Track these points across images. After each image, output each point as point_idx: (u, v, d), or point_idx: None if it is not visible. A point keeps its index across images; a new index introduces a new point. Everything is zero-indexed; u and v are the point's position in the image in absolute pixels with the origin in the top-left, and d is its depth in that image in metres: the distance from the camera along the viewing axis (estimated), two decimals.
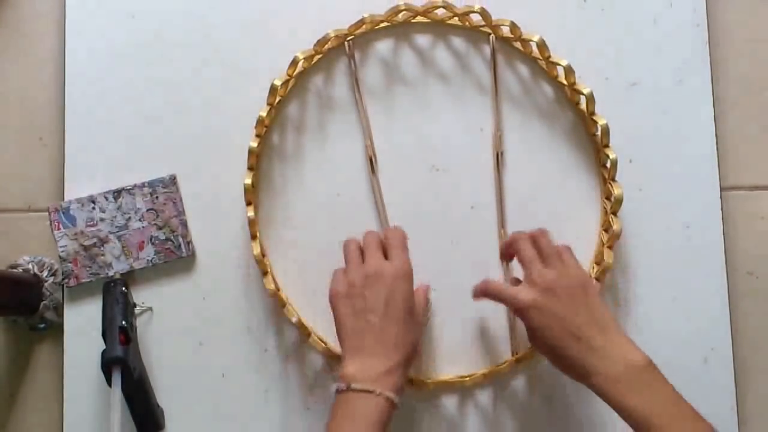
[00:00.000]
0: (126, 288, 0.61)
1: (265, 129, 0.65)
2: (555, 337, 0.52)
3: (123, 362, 0.57)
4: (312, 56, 0.65)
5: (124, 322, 0.57)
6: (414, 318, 0.55)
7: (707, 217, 0.67)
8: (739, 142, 0.70)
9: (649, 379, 0.50)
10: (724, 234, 0.67)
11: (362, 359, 0.51)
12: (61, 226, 0.65)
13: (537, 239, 0.58)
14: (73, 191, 0.66)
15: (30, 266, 0.67)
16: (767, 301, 0.69)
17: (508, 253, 0.61)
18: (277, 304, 0.64)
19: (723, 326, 0.66)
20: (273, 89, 0.63)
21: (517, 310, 0.55)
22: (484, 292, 0.58)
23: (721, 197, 0.67)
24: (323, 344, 0.64)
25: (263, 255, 0.63)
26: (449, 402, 0.65)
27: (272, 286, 0.62)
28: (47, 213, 0.65)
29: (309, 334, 0.64)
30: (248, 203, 0.62)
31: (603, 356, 0.51)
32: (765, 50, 0.71)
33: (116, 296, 0.60)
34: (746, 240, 0.69)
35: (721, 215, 0.67)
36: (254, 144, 0.63)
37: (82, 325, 0.65)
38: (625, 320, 0.66)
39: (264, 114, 0.62)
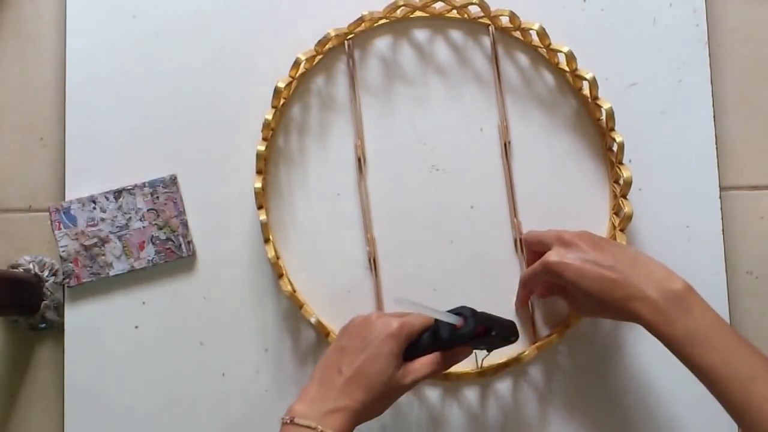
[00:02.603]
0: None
1: (271, 132, 0.65)
2: (589, 280, 0.53)
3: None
4: (313, 57, 0.65)
5: (494, 333, 0.55)
6: (386, 380, 0.52)
7: (707, 217, 0.67)
8: (739, 142, 0.70)
9: (687, 303, 0.51)
10: (724, 234, 0.67)
11: (317, 397, 0.51)
12: (61, 226, 0.65)
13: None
14: (74, 191, 0.66)
15: (31, 266, 0.67)
16: (767, 301, 0.69)
17: (529, 252, 0.64)
18: (285, 303, 0.65)
19: None
20: (277, 92, 0.63)
21: (548, 270, 0.56)
22: (524, 287, 0.62)
23: (720, 197, 0.67)
24: None
25: (278, 257, 0.63)
26: (471, 393, 0.65)
27: (289, 288, 0.62)
28: (48, 213, 0.66)
29: (328, 334, 0.64)
30: (259, 207, 0.62)
31: (639, 287, 0.52)
32: (765, 50, 0.71)
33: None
34: (746, 240, 0.69)
35: (721, 215, 0.67)
36: (262, 147, 0.63)
37: (83, 324, 0.65)
38: None
39: (270, 117, 0.63)
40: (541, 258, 0.57)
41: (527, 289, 0.63)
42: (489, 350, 0.59)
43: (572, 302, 0.60)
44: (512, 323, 0.59)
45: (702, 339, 0.50)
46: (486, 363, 0.64)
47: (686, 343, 0.50)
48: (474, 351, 0.58)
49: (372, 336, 0.52)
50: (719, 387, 0.48)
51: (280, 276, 0.63)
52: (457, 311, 0.54)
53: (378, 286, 0.65)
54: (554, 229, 0.61)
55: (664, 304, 0.51)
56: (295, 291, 0.64)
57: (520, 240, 0.66)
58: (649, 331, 0.52)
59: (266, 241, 0.63)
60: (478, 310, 0.55)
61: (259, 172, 0.63)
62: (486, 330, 0.54)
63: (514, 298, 0.65)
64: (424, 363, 0.53)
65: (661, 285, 0.52)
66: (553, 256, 0.56)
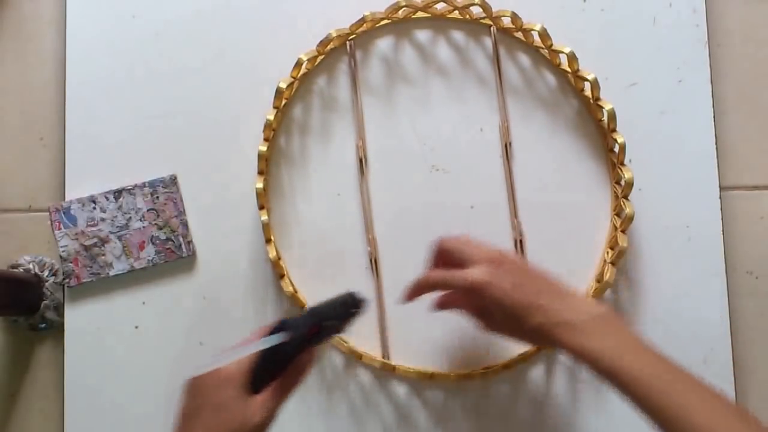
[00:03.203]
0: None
1: (273, 132, 0.65)
2: (516, 306, 0.52)
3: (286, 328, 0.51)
4: (315, 57, 0.65)
5: (328, 323, 0.52)
6: (237, 426, 0.48)
7: (707, 217, 0.67)
8: (739, 142, 0.70)
9: (612, 326, 0.51)
10: (724, 234, 0.67)
11: None
12: (61, 226, 0.65)
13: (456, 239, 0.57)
14: (74, 191, 0.66)
15: (31, 266, 0.67)
16: (767, 301, 0.69)
17: (437, 258, 0.58)
18: (286, 303, 0.65)
19: (723, 326, 0.66)
20: (279, 92, 0.63)
21: (472, 289, 0.53)
22: (426, 284, 0.56)
23: (721, 197, 0.67)
24: (345, 343, 0.64)
25: (279, 258, 0.63)
26: (472, 393, 0.65)
27: (290, 289, 0.63)
28: (48, 213, 0.66)
29: None
30: (261, 207, 0.62)
31: (565, 312, 0.51)
32: (765, 50, 0.71)
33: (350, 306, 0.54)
34: (746, 240, 0.69)
35: (721, 215, 0.67)
36: (263, 148, 0.63)
37: (83, 324, 0.65)
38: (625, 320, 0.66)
39: (271, 117, 0.63)
40: (453, 269, 0.54)
41: (424, 290, 0.57)
42: (340, 331, 0.54)
43: (485, 320, 0.56)
44: (348, 296, 0.53)
45: (628, 354, 0.50)
46: (486, 363, 0.64)
47: (612, 357, 0.49)
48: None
49: (207, 389, 0.48)
50: (646, 400, 0.48)
51: (282, 276, 0.63)
52: (280, 326, 0.50)
53: (378, 286, 0.65)
54: (466, 238, 0.56)
55: (587, 326, 0.51)
56: (296, 291, 0.64)
57: (520, 241, 0.66)
58: (573, 354, 0.51)
59: (267, 241, 0.63)
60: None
61: (260, 172, 0.63)
62: (318, 326, 0.50)
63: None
64: (272, 390, 0.50)
65: (582, 310, 0.52)
66: (478, 274, 0.52)
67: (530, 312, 0.52)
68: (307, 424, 0.64)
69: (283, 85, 0.63)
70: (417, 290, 0.57)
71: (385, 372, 0.65)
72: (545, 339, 0.52)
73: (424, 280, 0.56)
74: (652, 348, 0.51)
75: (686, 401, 0.47)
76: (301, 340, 0.50)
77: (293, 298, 0.63)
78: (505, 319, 0.53)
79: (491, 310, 0.54)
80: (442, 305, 0.60)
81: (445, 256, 0.57)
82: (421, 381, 0.65)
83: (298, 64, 0.63)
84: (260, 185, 0.62)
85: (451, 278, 0.54)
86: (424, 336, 0.65)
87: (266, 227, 0.62)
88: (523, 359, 0.65)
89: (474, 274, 0.53)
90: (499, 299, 0.52)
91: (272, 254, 0.62)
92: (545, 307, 0.52)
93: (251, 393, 0.49)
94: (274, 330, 0.50)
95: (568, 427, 0.65)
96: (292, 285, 0.64)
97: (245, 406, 0.48)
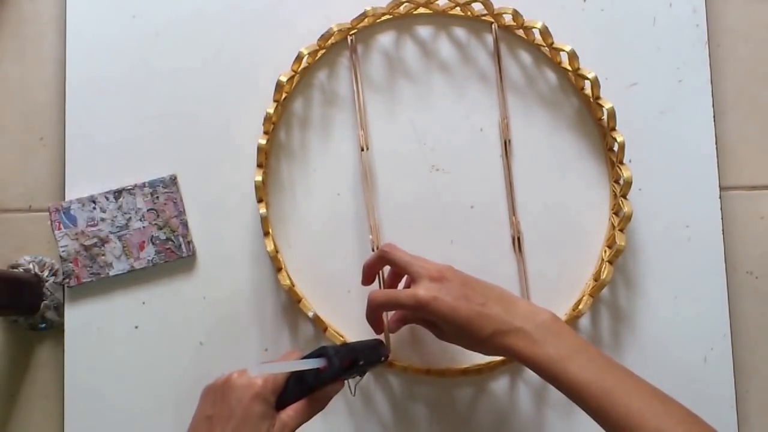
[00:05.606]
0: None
1: (273, 126, 0.65)
2: (463, 318, 0.52)
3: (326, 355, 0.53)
4: (316, 51, 0.65)
5: (362, 362, 0.54)
6: None
7: (707, 217, 0.67)
8: (739, 142, 0.70)
9: (556, 330, 0.52)
10: (723, 234, 0.67)
11: None
12: (61, 226, 0.65)
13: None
14: (74, 191, 0.66)
15: (31, 266, 0.67)
16: (767, 300, 0.69)
17: (371, 273, 0.61)
18: (285, 301, 0.65)
19: (723, 326, 0.66)
20: (279, 86, 0.63)
21: (421, 307, 0.53)
22: (377, 307, 0.57)
23: (720, 197, 0.67)
24: (341, 337, 0.65)
25: (277, 251, 0.63)
26: (468, 391, 0.66)
27: (288, 282, 0.63)
28: (48, 213, 0.66)
29: (326, 328, 0.64)
30: (260, 200, 0.62)
31: (514, 320, 0.52)
32: (765, 50, 0.71)
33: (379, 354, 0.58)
34: (746, 240, 0.69)
35: (721, 215, 0.67)
36: (263, 141, 0.63)
37: (83, 324, 0.65)
38: (624, 320, 0.66)
39: (271, 111, 0.63)
40: (402, 287, 0.58)
41: (377, 312, 0.59)
42: (361, 375, 0.57)
43: (438, 333, 0.57)
44: (377, 343, 0.58)
45: (576, 357, 0.50)
46: (483, 360, 0.64)
47: (562, 361, 0.50)
48: (347, 380, 0.56)
49: (237, 399, 0.50)
50: (596, 402, 0.48)
51: (279, 270, 0.63)
52: (319, 352, 0.52)
53: (380, 285, 0.65)
54: (411, 255, 0.58)
55: (535, 332, 0.51)
56: (293, 285, 0.64)
57: (518, 238, 0.66)
58: (524, 361, 0.51)
59: (266, 234, 0.63)
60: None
61: (259, 165, 0.63)
62: (352, 362, 0.53)
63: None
64: (297, 410, 0.51)
65: (529, 317, 0.53)
66: (423, 291, 0.53)
67: (480, 323, 0.52)
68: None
69: (284, 79, 0.63)
70: (372, 311, 0.59)
71: (382, 367, 0.65)
72: (498, 348, 0.53)
73: (374, 302, 0.57)
74: (598, 352, 0.52)
75: (632, 405, 0.48)
76: (336, 371, 0.52)
77: (290, 292, 0.63)
78: (456, 331, 0.54)
79: (440, 324, 0.55)
80: (399, 323, 0.62)
81: (390, 265, 0.59)
82: (417, 376, 0.65)
83: (299, 57, 0.63)
84: (259, 178, 0.62)
85: (397, 298, 0.55)
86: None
87: (264, 220, 0.62)
88: None
89: (420, 293, 0.54)
90: (445, 314, 0.53)
91: (270, 247, 0.62)
92: (493, 317, 0.52)
93: (276, 410, 0.51)
94: (314, 354, 0.52)
95: (570, 422, 0.65)
96: (290, 278, 0.64)
97: (272, 423, 0.50)
